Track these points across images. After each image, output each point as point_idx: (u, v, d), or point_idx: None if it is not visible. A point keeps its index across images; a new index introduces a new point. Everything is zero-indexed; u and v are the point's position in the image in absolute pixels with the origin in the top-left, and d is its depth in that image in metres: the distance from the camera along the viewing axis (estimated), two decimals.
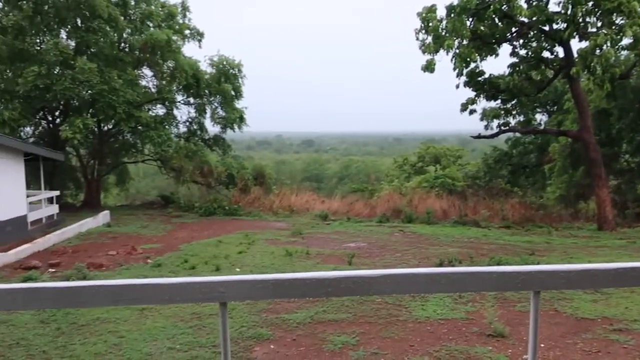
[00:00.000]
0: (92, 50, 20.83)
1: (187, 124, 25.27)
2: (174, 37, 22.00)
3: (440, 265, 11.88)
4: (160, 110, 24.47)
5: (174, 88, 23.65)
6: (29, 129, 23.32)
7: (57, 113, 23.25)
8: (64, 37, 21.34)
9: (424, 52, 16.72)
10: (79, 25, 20.87)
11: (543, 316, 8.44)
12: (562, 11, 16.07)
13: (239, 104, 24.66)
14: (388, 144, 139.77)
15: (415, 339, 7.40)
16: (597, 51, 15.05)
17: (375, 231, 17.53)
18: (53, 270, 11.18)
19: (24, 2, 19.47)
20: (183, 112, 25.27)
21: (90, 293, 1.31)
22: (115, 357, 6.65)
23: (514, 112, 23.18)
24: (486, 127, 21.99)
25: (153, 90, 23.90)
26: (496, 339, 7.32)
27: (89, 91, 20.10)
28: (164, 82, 23.27)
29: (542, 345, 7.24)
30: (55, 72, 19.64)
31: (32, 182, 18.66)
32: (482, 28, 17.31)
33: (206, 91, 23.95)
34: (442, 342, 7.28)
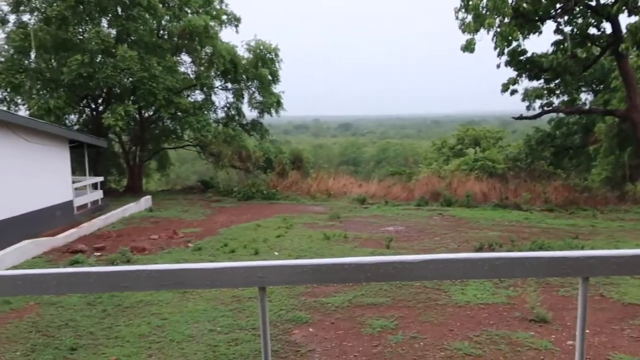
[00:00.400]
0: (132, 38, 21.19)
1: (225, 109, 25.49)
2: (211, 23, 22.11)
3: (480, 249, 11.70)
4: (198, 96, 24.75)
5: (212, 74, 23.84)
6: (73, 117, 23.96)
7: (99, 101, 23.82)
8: (105, 25, 21.74)
9: (463, 31, 16.33)
10: (120, 13, 21.23)
11: (589, 301, 8.23)
12: None
13: (276, 89, 24.72)
14: (426, 126, 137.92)
15: (455, 324, 7.33)
16: None
17: (414, 215, 17.38)
18: (98, 254, 11.52)
19: None
20: (221, 98, 25.64)
21: (134, 277, 1.34)
22: (158, 338, 6.82)
23: (557, 92, 22.48)
24: (528, 108, 21.44)
25: (191, 76, 24.17)
26: (539, 324, 7.18)
27: (130, 78, 20.49)
28: (202, 68, 23.49)
29: (588, 331, 7.05)
30: (98, 60, 20.06)
31: (77, 169, 19.22)
32: (524, 5, 16.74)
33: (243, 76, 24.05)
34: (482, 327, 7.19)
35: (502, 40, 16.27)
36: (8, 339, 6.77)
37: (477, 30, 16.28)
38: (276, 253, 11.51)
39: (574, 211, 17.82)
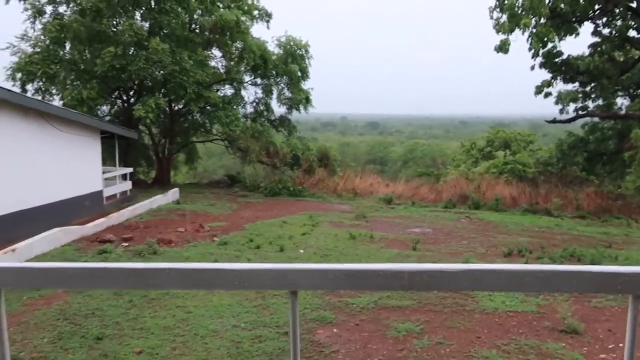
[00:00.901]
0: (165, 31, 21.36)
1: (254, 104, 25.56)
2: (243, 18, 22.18)
3: (509, 255, 11.46)
4: (228, 90, 24.88)
5: (242, 69, 23.92)
6: (105, 108, 24.32)
7: (131, 93, 24.11)
8: (138, 18, 21.97)
9: (497, 31, 16.00)
10: (153, 6, 21.43)
11: (622, 313, 7.96)
12: None
13: (305, 85, 24.67)
14: (454, 127, 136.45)
15: (482, 331, 7.16)
16: None
17: (441, 217, 17.15)
18: (126, 244, 11.64)
19: None
20: (250, 93, 25.60)
21: (164, 275, 1.33)
22: (183, 331, 6.83)
23: (592, 96, 21.91)
24: (561, 111, 20.96)
25: (221, 70, 24.28)
26: (570, 336, 6.97)
27: (161, 71, 20.68)
28: (232, 62, 23.58)
29: (621, 345, 6.82)
30: (130, 53, 20.29)
31: (107, 159, 19.49)
32: (562, 5, 16.33)
33: (273, 72, 24.07)
34: (510, 336, 7.01)
35: (538, 41, 15.89)
36: (36, 325, 6.86)
37: (511, 31, 15.93)
38: (301, 251, 11.45)
39: (607, 219, 17.37)
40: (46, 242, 10.82)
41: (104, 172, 17.03)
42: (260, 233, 13.31)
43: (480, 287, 1.34)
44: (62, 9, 21.38)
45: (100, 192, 16.46)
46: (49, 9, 21.24)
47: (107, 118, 23.84)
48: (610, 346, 6.79)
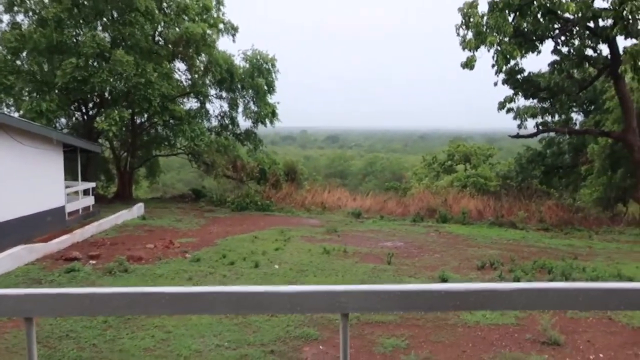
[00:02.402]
0: (128, 43, 20.90)
1: (219, 118, 25.27)
2: (209, 31, 21.95)
3: (482, 267, 11.61)
4: (193, 104, 24.52)
5: (208, 82, 23.66)
6: (63, 120, 23.52)
7: (91, 105, 23.44)
8: (101, 29, 21.45)
9: (464, 48, 16.37)
10: (116, 18, 20.98)
11: (597, 324, 8.15)
12: (610, 7, 15.55)
13: (271, 99, 24.55)
14: (413, 141, 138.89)
15: (467, 345, 7.19)
16: None
17: (411, 230, 17.28)
18: (94, 262, 11.21)
19: None
20: (215, 106, 25.31)
21: (211, 300, 1.27)
22: (164, 352, 6.59)
23: (550, 111, 22.63)
24: (519, 126, 21.50)
25: (186, 83, 23.94)
26: (552, 347, 7.08)
27: (125, 84, 20.21)
28: (197, 75, 23.28)
29: (601, 355, 6.97)
30: (93, 64, 19.75)
31: (66, 173, 18.80)
32: (524, 24, 16.87)
33: (239, 85, 23.88)
34: (495, 349, 7.06)
35: (503, 58, 16.34)
36: (8, 350, 6.48)
37: (477, 48, 16.34)
38: (277, 266, 11.29)
39: (569, 231, 17.87)
40: (9, 261, 10.31)
41: (66, 187, 16.43)
42: (232, 249, 13.07)
43: (533, 306, 1.33)
44: (19, 18, 20.70)
45: (63, 207, 15.87)
46: (5, 17, 20.55)
47: (65, 131, 23.07)
48: (591, 357, 6.93)
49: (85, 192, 18.51)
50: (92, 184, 19.22)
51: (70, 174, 19.33)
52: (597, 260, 13.02)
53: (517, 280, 10.16)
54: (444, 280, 10.14)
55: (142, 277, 9.99)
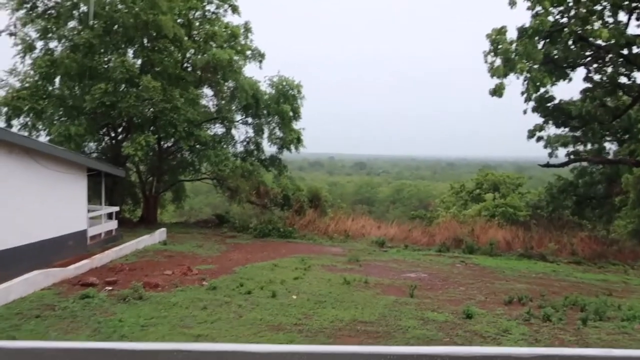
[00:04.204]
0: (157, 69, 21.20)
1: (245, 143, 25.28)
2: (236, 58, 22.12)
3: (510, 302, 11.06)
4: (219, 129, 24.61)
5: (234, 108, 23.76)
6: (92, 145, 23.86)
7: (119, 130, 23.75)
8: (131, 55, 21.84)
9: (492, 75, 16.01)
10: (146, 44, 21.34)
11: None
12: None
13: (296, 125, 24.50)
14: (441, 168, 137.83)
15: None
16: None
17: (435, 261, 16.78)
18: (110, 288, 11.06)
19: (96, 21, 20.05)
20: (241, 132, 25.33)
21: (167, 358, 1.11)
22: None
23: (582, 140, 21.99)
24: (550, 155, 20.93)
25: (212, 109, 24.10)
26: None
27: (152, 109, 20.42)
28: (223, 101, 23.42)
29: None
30: (121, 89, 20.04)
31: (92, 197, 18.95)
32: (554, 51, 16.48)
33: (264, 111, 23.91)
34: None
35: (533, 85, 15.93)
36: None
37: (506, 75, 15.96)
38: (294, 297, 10.96)
39: (603, 265, 17.11)
40: (25, 286, 10.22)
41: (89, 211, 16.49)
42: (250, 277, 12.80)
43: None
44: (53, 44, 21.21)
45: (85, 231, 15.88)
46: (39, 44, 21.06)
47: (94, 155, 23.39)
48: None
49: (109, 216, 18.57)
50: (116, 208, 19.28)
51: (97, 197, 19.48)
52: (634, 297, 12.34)
53: (547, 318, 9.61)
54: (469, 316, 9.66)
55: (155, 306, 9.77)
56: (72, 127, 19.33)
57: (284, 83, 23.93)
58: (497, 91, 16.01)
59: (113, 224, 18.40)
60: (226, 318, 9.18)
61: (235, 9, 23.61)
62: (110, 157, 22.49)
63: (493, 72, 16.09)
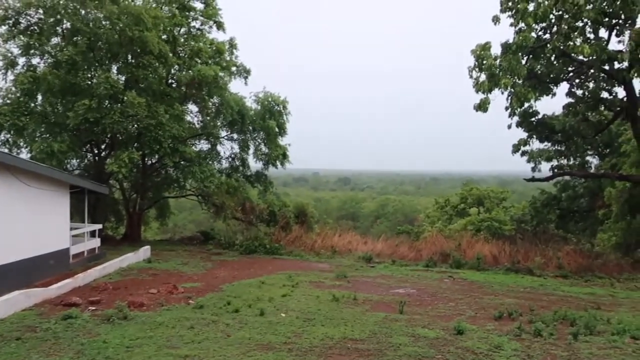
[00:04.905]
0: (141, 85, 21.01)
1: (230, 159, 25.12)
2: (221, 74, 22.06)
3: (500, 318, 11.00)
4: (204, 145, 24.43)
5: (219, 124, 23.64)
6: (75, 162, 23.48)
7: (103, 146, 23.44)
8: (115, 71, 21.64)
9: (477, 90, 16.10)
10: (130, 60, 21.16)
11: None
12: (626, 49, 15.31)
13: (282, 141, 24.44)
14: (425, 183, 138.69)
15: None
16: None
17: (423, 276, 16.69)
18: (93, 308, 10.80)
19: (79, 38, 19.87)
20: (226, 148, 25.16)
21: None
22: None
23: (566, 155, 22.19)
24: (534, 169, 21.06)
25: (197, 125, 23.93)
26: None
27: (136, 125, 20.20)
28: (208, 117, 23.29)
29: None
30: (105, 106, 19.79)
31: (74, 214, 18.61)
32: (538, 67, 16.67)
33: (250, 127, 23.82)
34: None
35: (518, 101, 16.06)
36: None
37: (490, 90, 16.07)
38: (283, 315, 10.78)
39: (590, 278, 17.16)
40: (5, 307, 9.93)
41: (71, 229, 16.16)
42: (237, 295, 12.59)
43: None
44: (35, 60, 20.93)
45: (67, 249, 15.55)
46: (22, 60, 20.78)
47: (77, 172, 23.03)
48: None
49: (92, 234, 18.24)
50: (99, 226, 18.94)
51: (79, 214, 19.11)
52: (622, 310, 12.35)
53: (538, 333, 9.55)
54: (460, 332, 9.57)
55: (141, 326, 9.52)
56: (55, 143, 19.01)
57: (270, 99, 23.91)
58: (482, 106, 16.10)
59: (96, 242, 18.08)
60: (214, 337, 8.98)
61: (220, 26, 23.65)
62: (93, 174, 22.15)
63: (478, 87, 16.19)
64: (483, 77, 16.13)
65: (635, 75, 15.19)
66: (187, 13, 22.90)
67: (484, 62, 15.92)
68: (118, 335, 8.87)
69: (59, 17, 19.94)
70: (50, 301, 11.28)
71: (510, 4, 15.92)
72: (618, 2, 15.37)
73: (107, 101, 19.95)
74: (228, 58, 23.83)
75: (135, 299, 11.37)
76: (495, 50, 16.40)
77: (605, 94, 18.53)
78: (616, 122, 20.93)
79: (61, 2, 19.73)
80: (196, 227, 34.73)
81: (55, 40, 20.80)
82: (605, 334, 9.70)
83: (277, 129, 23.80)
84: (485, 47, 16.11)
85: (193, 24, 23.40)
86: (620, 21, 16.14)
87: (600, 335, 9.68)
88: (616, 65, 16.40)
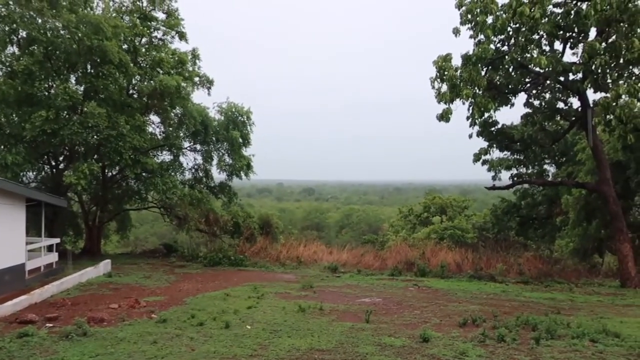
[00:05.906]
0: (101, 95, 20.54)
1: (193, 170, 24.78)
2: (184, 84, 21.77)
3: (464, 325, 11.13)
4: (166, 156, 24.03)
5: (182, 134, 23.31)
6: (31, 174, 22.74)
7: (61, 158, 22.78)
8: (73, 82, 21.10)
9: (439, 100, 16.42)
10: (89, 70, 20.69)
11: None
12: (580, 62, 15.87)
13: (246, 152, 24.27)
14: (388, 192, 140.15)
15: None
16: (619, 102, 14.73)
17: (389, 285, 16.78)
18: (50, 325, 10.42)
19: (36, 47, 19.35)
20: (189, 159, 24.86)
21: None
22: None
23: (525, 163, 22.75)
24: (494, 178, 21.51)
25: (159, 136, 23.54)
26: None
27: (96, 136, 19.71)
28: (171, 128, 22.94)
29: None
30: (63, 116, 19.26)
31: (30, 228, 18.00)
32: (497, 77, 17.09)
33: (214, 138, 23.59)
34: None
35: (478, 110, 16.42)
36: None
37: (452, 100, 16.40)
38: (249, 327, 10.64)
39: (549, 284, 17.59)
40: None
41: (27, 243, 15.59)
42: (202, 308, 12.38)
43: None
44: None
45: (23, 265, 15.00)
46: None
47: (33, 184, 22.28)
48: None
49: (50, 248, 17.65)
50: (56, 240, 18.35)
51: (36, 228, 18.47)
52: (580, 314, 12.66)
53: (502, 338, 9.69)
54: (426, 340, 9.63)
55: (101, 342, 9.23)
56: (9, 155, 18.38)
57: (234, 109, 23.76)
58: (444, 116, 16.40)
59: (54, 257, 17.51)
60: (178, 352, 8.78)
61: (182, 36, 23.38)
62: (50, 187, 21.47)
63: (440, 97, 16.50)
64: (445, 87, 16.46)
65: (589, 86, 15.71)
66: (148, 23, 22.55)
67: (446, 72, 16.25)
68: (77, 353, 8.58)
69: (14, 25, 19.34)
70: (4, 319, 10.84)
71: (469, 16, 16.31)
72: (572, 16, 15.97)
73: (65, 112, 19.42)
74: (191, 68, 23.54)
75: (95, 315, 11.03)
76: (456, 61, 16.78)
77: (561, 104, 19.10)
78: (572, 132, 21.60)
79: (17, 10, 19.17)
80: (158, 239, 34.03)
81: (10, 49, 20.19)
82: (566, 338, 9.91)
83: (240, 140, 23.64)
84: (447, 58, 16.45)
85: (155, 34, 23.05)
86: (574, 34, 16.75)
87: (561, 339, 9.89)
88: (571, 76, 16.93)
